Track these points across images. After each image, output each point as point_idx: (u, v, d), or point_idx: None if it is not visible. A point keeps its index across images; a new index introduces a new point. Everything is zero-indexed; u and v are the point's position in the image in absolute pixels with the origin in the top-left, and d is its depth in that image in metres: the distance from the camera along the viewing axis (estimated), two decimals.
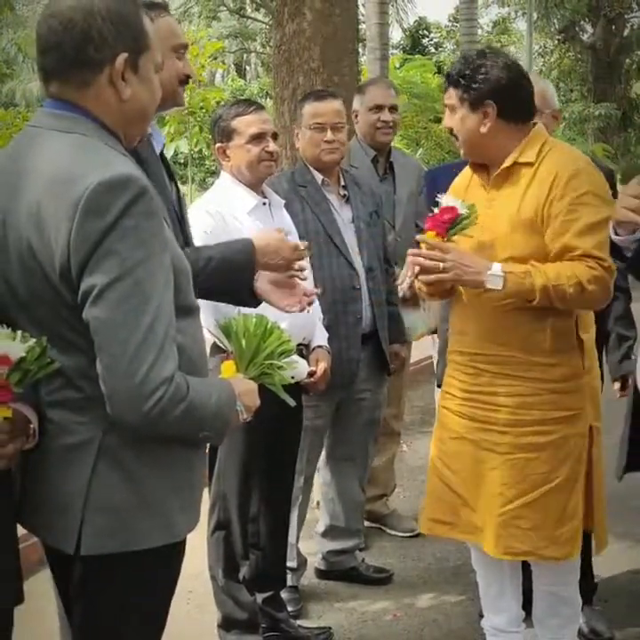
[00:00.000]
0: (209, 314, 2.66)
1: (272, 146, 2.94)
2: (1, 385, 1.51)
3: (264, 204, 3.00)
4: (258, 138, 2.93)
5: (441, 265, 2.40)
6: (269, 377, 1.92)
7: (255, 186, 2.99)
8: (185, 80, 2.31)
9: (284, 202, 3.10)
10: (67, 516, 1.61)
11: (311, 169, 3.36)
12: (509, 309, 2.48)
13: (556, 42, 28.09)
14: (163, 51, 2.11)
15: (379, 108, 3.81)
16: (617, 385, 3.00)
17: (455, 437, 2.63)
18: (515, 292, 2.40)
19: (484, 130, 2.51)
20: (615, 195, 3.07)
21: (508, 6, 28.24)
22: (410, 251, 2.51)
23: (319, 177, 3.35)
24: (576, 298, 2.39)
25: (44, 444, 1.65)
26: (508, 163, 2.52)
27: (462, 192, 2.64)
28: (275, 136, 2.99)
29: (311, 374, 2.98)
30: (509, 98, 2.51)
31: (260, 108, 3.02)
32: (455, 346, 2.68)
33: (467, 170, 2.73)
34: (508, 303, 2.46)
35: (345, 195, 3.40)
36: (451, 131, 2.62)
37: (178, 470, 1.68)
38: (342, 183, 3.41)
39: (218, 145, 3.02)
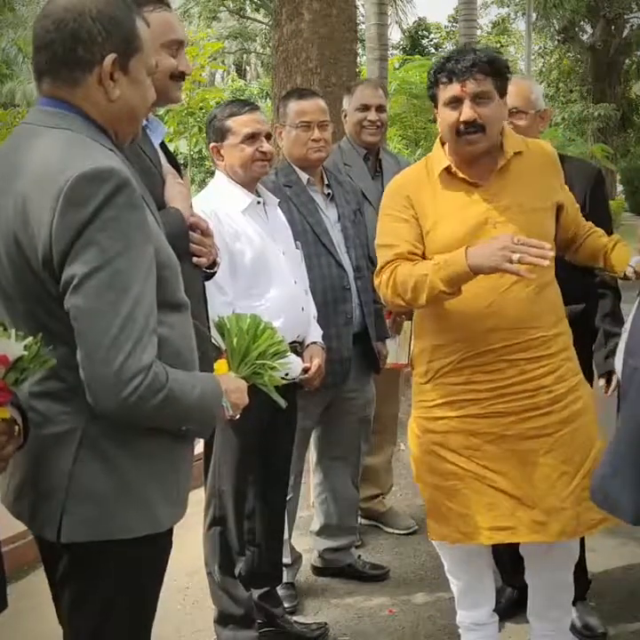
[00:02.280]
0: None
1: (266, 146, 2.95)
2: (2, 386, 1.50)
3: (258, 202, 3.02)
4: (252, 138, 2.93)
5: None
6: (260, 377, 1.94)
7: (249, 185, 3.00)
8: (179, 76, 2.30)
9: (278, 200, 3.11)
10: (49, 503, 1.65)
11: (295, 168, 3.36)
12: (534, 294, 2.54)
13: (556, 42, 28.12)
14: (155, 46, 2.12)
15: (365, 107, 3.83)
16: (602, 382, 3.01)
17: (491, 440, 2.57)
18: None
19: (503, 119, 2.59)
20: (603, 194, 3.11)
21: (508, 7, 28.29)
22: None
23: (304, 176, 3.36)
24: None
25: (28, 433, 1.67)
26: (509, 154, 2.57)
27: (431, 200, 2.59)
28: (269, 136, 2.99)
29: (305, 370, 3.00)
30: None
31: (255, 108, 3.02)
32: (470, 350, 2.57)
33: (412, 179, 2.66)
34: (534, 288, 2.52)
35: (329, 193, 3.41)
36: (473, 122, 2.48)
37: (162, 461, 1.71)
38: (326, 182, 3.42)
39: (212, 144, 3.03)
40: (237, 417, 1.84)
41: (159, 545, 1.75)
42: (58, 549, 1.70)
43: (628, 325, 2.15)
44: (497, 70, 2.51)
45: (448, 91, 2.50)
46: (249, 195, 2.99)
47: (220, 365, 1.95)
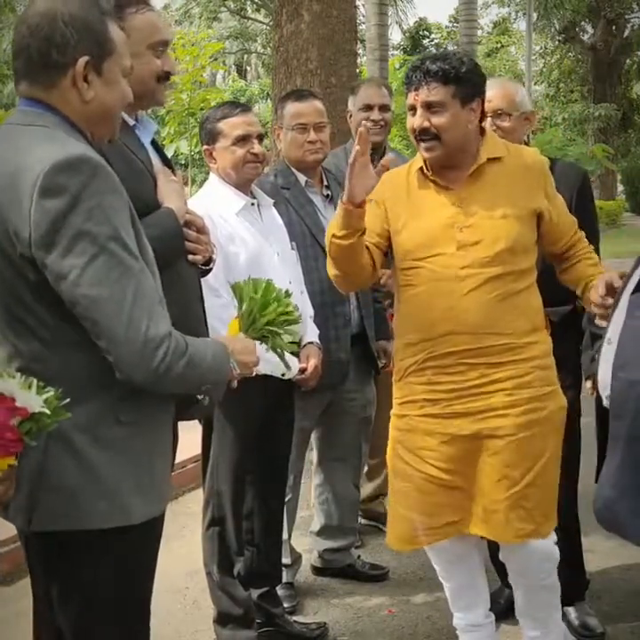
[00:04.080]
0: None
1: (257, 147, 2.95)
2: (15, 438, 1.52)
3: (252, 204, 3.02)
4: (243, 140, 2.93)
5: None
6: (267, 340, 2.02)
7: (243, 187, 3.00)
8: (164, 77, 2.30)
9: (273, 201, 3.11)
10: (21, 494, 1.68)
11: (294, 170, 3.37)
12: (496, 301, 2.51)
13: (557, 42, 28.14)
14: (140, 48, 2.18)
15: (368, 107, 3.83)
16: (589, 383, 3.01)
17: (446, 441, 2.58)
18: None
19: (471, 126, 2.53)
20: (589, 196, 3.10)
21: (508, 6, 28.31)
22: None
23: (302, 178, 3.36)
24: None
25: None
26: (482, 160, 2.55)
27: (405, 201, 2.61)
28: (261, 137, 2.99)
29: (302, 371, 3.01)
30: (484, 96, 2.60)
31: (247, 109, 3.02)
32: (434, 350, 2.58)
33: (390, 180, 2.64)
34: (496, 295, 2.51)
35: (328, 195, 3.41)
36: (426, 130, 2.51)
37: (136, 454, 1.73)
38: (325, 183, 3.43)
39: (205, 147, 3.03)
40: (247, 375, 1.93)
41: (134, 538, 1.75)
42: (35, 541, 1.74)
43: (612, 336, 2.10)
44: (456, 78, 2.48)
45: (408, 98, 2.56)
46: (242, 196, 2.99)
47: (233, 325, 2.04)
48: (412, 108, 2.53)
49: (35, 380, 1.56)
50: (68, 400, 1.60)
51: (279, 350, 2.04)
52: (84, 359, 1.67)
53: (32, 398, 1.53)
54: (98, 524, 1.69)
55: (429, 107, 2.49)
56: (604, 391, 2.10)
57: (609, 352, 2.07)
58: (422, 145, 2.54)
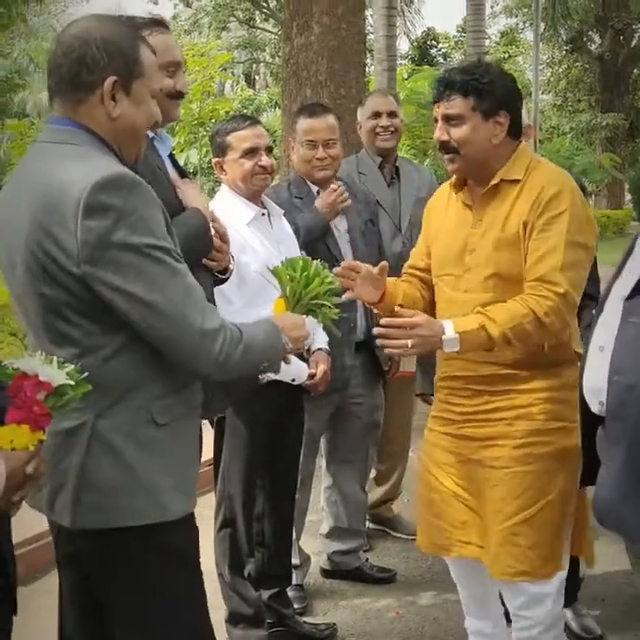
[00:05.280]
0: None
1: (265, 160, 3.02)
2: (43, 412, 1.59)
3: (263, 214, 3.09)
4: (251, 152, 3.01)
5: (409, 342, 2.28)
6: (315, 314, 2.15)
7: (253, 197, 3.07)
8: (176, 95, 2.44)
9: (282, 211, 3.18)
10: (64, 492, 1.77)
11: (307, 181, 3.45)
12: None
13: (564, 52, 28.16)
14: None
15: (377, 114, 3.91)
16: None
17: (462, 461, 2.56)
18: (473, 349, 2.36)
19: (496, 141, 2.42)
20: None
21: (516, 17, 28.37)
22: (378, 328, 2.31)
23: (315, 189, 3.43)
24: (537, 333, 2.33)
25: None
26: (496, 180, 2.44)
27: (442, 212, 2.60)
28: (269, 150, 3.07)
29: (311, 376, 3.08)
30: (517, 109, 2.45)
31: (255, 122, 3.10)
32: (447, 371, 2.58)
33: (443, 189, 2.66)
34: None
35: None
36: (446, 143, 2.46)
37: (171, 453, 1.82)
38: None
39: (215, 160, 3.12)
40: (299, 350, 2.10)
41: (172, 532, 1.83)
42: (78, 540, 1.83)
43: (603, 343, 2.04)
44: (477, 90, 2.40)
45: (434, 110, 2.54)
46: (253, 207, 3.06)
47: (279, 304, 2.17)
48: (436, 120, 2.49)
49: (55, 357, 1.64)
50: (106, 401, 1.72)
51: (327, 321, 2.18)
52: (122, 366, 1.76)
53: (55, 372, 1.60)
54: (137, 520, 1.77)
55: (449, 119, 2.43)
56: (596, 397, 2.05)
57: (601, 359, 2.02)
58: (445, 157, 2.51)
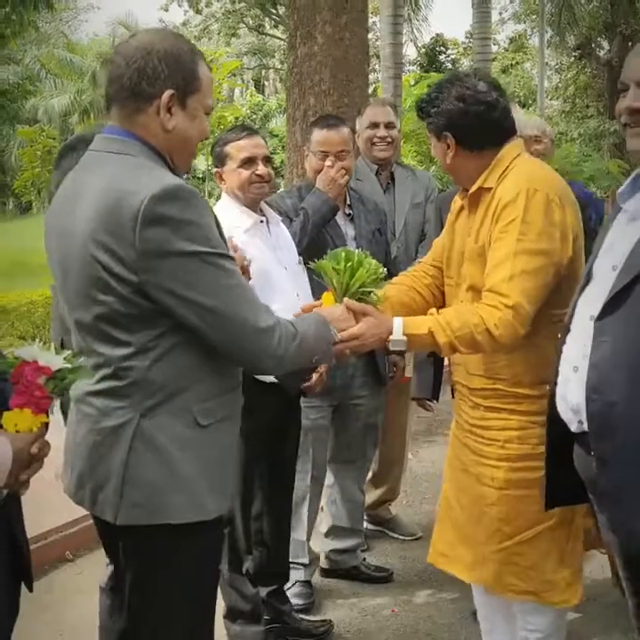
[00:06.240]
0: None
1: (262, 169, 3.10)
2: (43, 395, 1.67)
3: (261, 222, 3.16)
4: (248, 162, 3.09)
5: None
6: (364, 301, 2.28)
7: (251, 205, 3.15)
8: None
9: (281, 218, 3.26)
10: (107, 489, 1.84)
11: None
12: None
13: (573, 58, 28.16)
14: None
15: (374, 125, 4.00)
16: None
17: (462, 469, 2.60)
18: (421, 349, 2.43)
19: (448, 160, 2.51)
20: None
21: (524, 23, 28.39)
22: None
23: None
24: (486, 343, 2.30)
25: (86, 427, 1.88)
26: (472, 189, 2.49)
27: (454, 218, 2.66)
28: (267, 159, 3.14)
29: (308, 379, 3.11)
30: (464, 127, 2.45)
31: (254, 132, 3.18)
32: (455, 375, 2.63)
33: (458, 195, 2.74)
34: None
35: (350, 214, 3.57)
36: None
37: (211, 454, 1.89)
38: (348, 202, 3.58)
39: (215, 169, 3.22)
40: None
41: (206, 531, 1.90)
42: (117, 534, 1.89)
43: (577, 364, 2.00)
44: (428, 114, 2.51)
45: None
46: (251, 215, 3.13)
47: (328, 297, 2.31)
48: None
49: (53, 343, 1.73)
50: (152, 401, 1.81)
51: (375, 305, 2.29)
52: (171, 368, 1.83)
53: (53, 357, 1.69)
54: (176, 518, 1.84)
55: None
56: (575, 416, 2.02)
57: (576, 379, 1.99)
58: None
